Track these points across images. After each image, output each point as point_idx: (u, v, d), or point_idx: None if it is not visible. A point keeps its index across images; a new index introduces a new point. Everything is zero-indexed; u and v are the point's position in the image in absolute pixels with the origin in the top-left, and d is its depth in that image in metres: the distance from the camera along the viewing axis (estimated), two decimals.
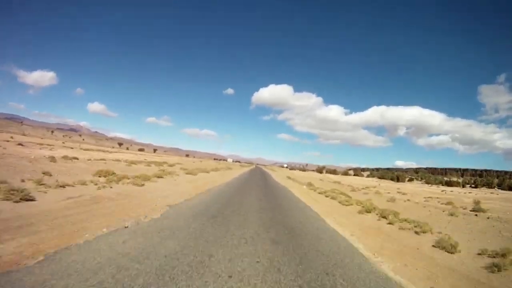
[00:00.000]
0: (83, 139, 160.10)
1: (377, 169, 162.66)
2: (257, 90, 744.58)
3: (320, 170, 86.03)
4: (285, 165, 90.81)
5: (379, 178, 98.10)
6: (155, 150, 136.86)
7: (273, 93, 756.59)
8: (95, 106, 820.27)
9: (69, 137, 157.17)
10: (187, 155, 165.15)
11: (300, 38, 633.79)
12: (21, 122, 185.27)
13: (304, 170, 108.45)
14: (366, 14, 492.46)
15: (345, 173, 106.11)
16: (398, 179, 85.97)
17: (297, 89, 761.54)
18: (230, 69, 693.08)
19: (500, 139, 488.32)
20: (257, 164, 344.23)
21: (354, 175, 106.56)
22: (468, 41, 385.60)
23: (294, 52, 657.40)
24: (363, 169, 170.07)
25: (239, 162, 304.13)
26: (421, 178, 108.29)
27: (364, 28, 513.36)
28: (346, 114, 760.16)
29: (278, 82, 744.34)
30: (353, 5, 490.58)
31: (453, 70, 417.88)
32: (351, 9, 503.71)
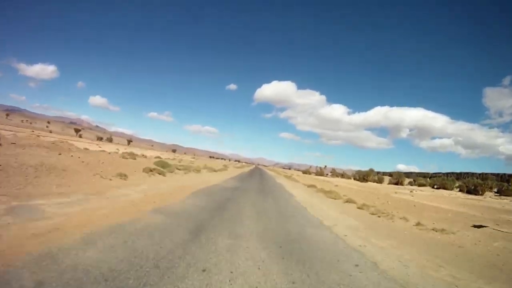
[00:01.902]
0: (47, 126, 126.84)
1: (390, 174, 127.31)
2: (260, 86, 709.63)
3: (364, 175, 50.07)
4: (325, 166, 55.15)
5: (439, 188, 61.58)
6: (129, 142, 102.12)
7: (276, 89, 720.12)
8: (97, 100, 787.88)
9: (30, 123, 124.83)
10: (173, 150, 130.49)
11: (304, 35, 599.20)
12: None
13: (321, 174, 72.91)
14: (371, 14, 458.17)
15: (380, 180, 69.24)
16: (475, 190, 49.54)
17: (300, 86, 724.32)
18: (233, 64, 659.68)
19: (503, 144, 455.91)
20: (258, 164, 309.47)
21: (395, 183, 70.08)
22: (474, 42, 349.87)
23: (298, 48, 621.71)
24: (378, 173, 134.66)
25: (239, 161, 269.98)
26: (491, 188, 69.78)
27: (369, 27, 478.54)
28: (349, 113, 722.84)
29: (281, 78, 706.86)
30: (358, 4, 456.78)
31: (458, 71, 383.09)
32: (356, 8, 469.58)
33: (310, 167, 76.95)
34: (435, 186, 71.76)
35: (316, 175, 72.04)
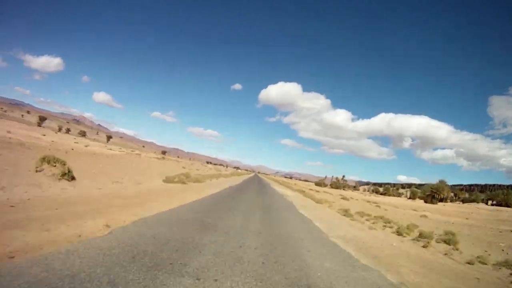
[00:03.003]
0: (22, 115, 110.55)
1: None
2: (266, 86, 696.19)
3: (433, 192, 31.64)
4: (343, 176, 37.86)
5: (500, 204, 43.11)
6: (109, 138, 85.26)
7: (281, 91, 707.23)
8: (101, 96, 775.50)
9: (4, 111, 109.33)
10: (163, 152, 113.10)
11: (312, 37, 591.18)
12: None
13: (338, 187, 54.61)
14: (380, 21, 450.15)
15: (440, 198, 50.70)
16: None
17: (306, 88, 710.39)
18: (239, 64, 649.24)
19: (504, 156, 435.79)
20: (258, 172, 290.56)
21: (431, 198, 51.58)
22: (482, 50, 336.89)
23: (306, 50, 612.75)
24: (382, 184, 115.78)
25: (238, 168, 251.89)
26: None
27: (377, 33, 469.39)
28: (353, 120, 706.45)
29: (287, 79, 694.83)
30: (366, 11, 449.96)
31: (465, 80, 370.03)
32: (365, 15, 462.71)
33: (325, 177, 58.59)
34: (490, 203, 52.75)
35: (332, 187, 53.88)
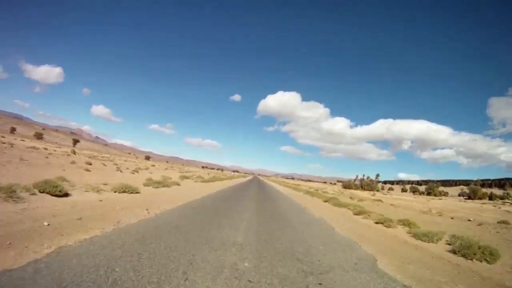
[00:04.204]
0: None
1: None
2: (265, 97, 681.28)
3: None
4: (377, 175, 25.98)
5: None
6: (75, 142, 67.83)
7: (280, 101, 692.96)
8: (100, 110, 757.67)
9: None
10: (147, 157, 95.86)
11: (311, 46, 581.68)
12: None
13: (372, 189, 37.36)
14: (377, 28, 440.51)
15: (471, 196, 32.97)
16: None
17: (305, 97, 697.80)
18: (238, 75, 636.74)
19: (504, 152, 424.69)
20: (259, 174, 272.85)
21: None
22: (481, 53, 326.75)
23: (305, 59, 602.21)
24: (419, 182, 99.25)
25: (237, 171, 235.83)
26: None
27: (375, 40, 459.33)
28: (351, 127, 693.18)
29: (286, 88, 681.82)
30: (364, 18, 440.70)
31: (463, 82, 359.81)
32: (362, 23, 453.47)
33: (357, 176, 42.19)
34: None
35: (364, 189, 37.22)
